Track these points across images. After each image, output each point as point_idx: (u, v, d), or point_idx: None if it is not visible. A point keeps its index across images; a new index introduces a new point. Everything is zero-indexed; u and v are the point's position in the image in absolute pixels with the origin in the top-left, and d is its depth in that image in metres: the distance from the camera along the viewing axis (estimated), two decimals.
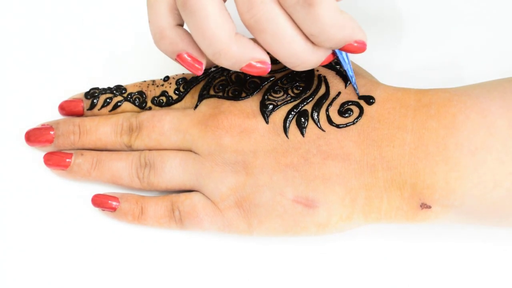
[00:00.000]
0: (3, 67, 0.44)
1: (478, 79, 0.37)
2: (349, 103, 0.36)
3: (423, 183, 0.34)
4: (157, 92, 0.41)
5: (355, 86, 0.37)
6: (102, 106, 0.41)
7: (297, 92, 0.37)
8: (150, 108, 0.40)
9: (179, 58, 0.34)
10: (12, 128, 0.42)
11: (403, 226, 0.39)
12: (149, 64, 0.43)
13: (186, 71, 0.42)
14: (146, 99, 0.41)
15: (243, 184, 0.36)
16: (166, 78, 0.41)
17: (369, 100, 0.36)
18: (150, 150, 0.39)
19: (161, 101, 0.40)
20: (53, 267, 0.39)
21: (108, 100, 0.41)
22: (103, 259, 0.39)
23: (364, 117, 0.36)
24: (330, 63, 0.38)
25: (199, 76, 0.40)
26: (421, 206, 0.35)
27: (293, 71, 0.38)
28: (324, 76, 0.38)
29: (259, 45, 0.33)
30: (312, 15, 0.31)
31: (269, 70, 0.33)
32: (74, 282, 0.39)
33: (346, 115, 0.36)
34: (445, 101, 0.35)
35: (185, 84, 0.40)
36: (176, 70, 0.42)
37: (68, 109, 0.41)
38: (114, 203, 0.39)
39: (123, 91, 0.41)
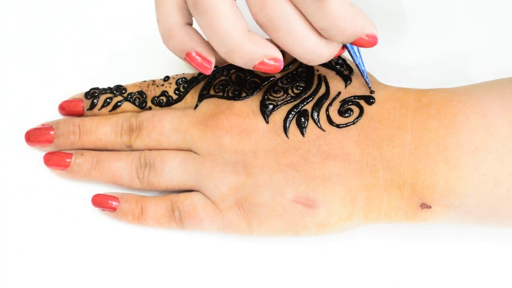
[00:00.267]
0: (3, 67, 0.44)
1: (478, 79, 0.37)
2: (349, 103, 0.36)
3: (423, 183, 0.34)
4: (157, 92, 0.41)
5: (367, 80, 0.37)
6: (102, 106, 0.41)
7: (297, 92, 0.37)
8: (150, 108, 0.40)
9: (188, 57, 0.34)
10: (12, 128, 0.42)
11: (403, 226, 0.39)
12: (149, 64, 0.43)
13: (186, 71, 0.42)
14: (146, 99, 0.41)
15: (243, 184, 0.36)
16: (166, 78, 0.41)
17: (369, 100, 0.36)
18: (150, 150, 0.39)
19: (161, 101, 0.40)
20: (53, 267, 0.39)
21: (108, 100, 0.41)
22: (103, 259, 0.39)
23: (364, 117, 0.36)
24: (330, 63, 0.38)
25: (199, 76, 0.40)
26: (421, 206, 0.35)
27: (293, 71, 0.38)
28: (324, 76, 0.38)
29: (271, 42, 0.33)
30: (322, 9, 0.31)
31: (282, 67, 0.33)
32: (74, 282, 0.39)
33: (346, 115, 0.36)
34: (445, 101, 0.35)
35: (185, 84, 0.40)
36: (176, 70, 0.42)
37: (68, 109, 0.41)
38: (114, 203, 0.39)
39: (123, 91, 0.41)
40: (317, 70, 0.38)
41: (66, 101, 0.42)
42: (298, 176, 0.36)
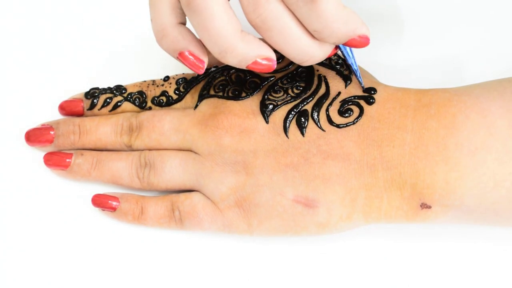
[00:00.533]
0: (3, 67, 0.44)
1: (478, 79, 0.37)
2: (349, 103, 0.36)
3: (423, 183, 0.34)
4: (157, 92, 0.41)
5: (360, 79, 0.37)
6: (102, 106, 0.41)
7: (297, 92, 0.37)
8: (150, 108, 0.40)
9: (180, 57, 0.34)
10: (12, 128, 0.42)
11: (403, 226, 0.39)
12: (149, 64, 0.43)
13: (186, 71, 0.42)
14: (146, 99, 0.41)
15: (243, 184, 0.36)
16: (166, 78, 0.41)
17: (369, 100, 0.36)
18: (150, 150, 0.39)
19: (161, 101, 0.40)
20: (53, 267, 0.39)
21: (108, 100, 0.41)
22: (103, 259, 0.39)
23: (364, 117, 0.36)
24: (331, 63, 0.38)
25: (199, 76, 0.40)
26: (421, 206, 0.35)
27: (293, 71, 0.38)
28: (324, 76, 0.38)
29: (264, 42, 0.33)
30: (315, 11, 0.31)
31: (275, 67, 0.33)
32: (74, 282, 0.39)
33: (346, 115, 0.36)
34: (445, 101, 0.35)
35: (185, 84, 0.40)
36: (176, 70, 0.42)
37: (68, 109, 0.41)
38: (114, 203, 0.39)
39: (123, 91, 0.41)
40: (317, 70, 0.38)
41: (66, 101, 0.42)
42: (298, 176, 0.36)
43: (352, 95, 0.37)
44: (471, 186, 0.34)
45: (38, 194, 0.41)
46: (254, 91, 0.38)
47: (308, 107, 0.37)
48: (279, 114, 0.37)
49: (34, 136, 0.40)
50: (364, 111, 0.36)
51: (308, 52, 0.33)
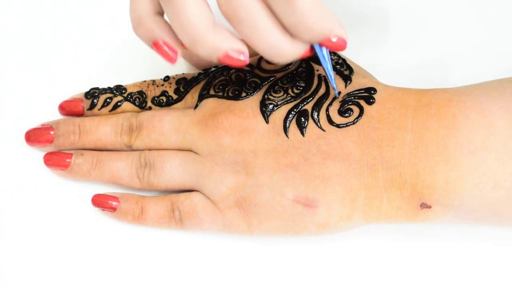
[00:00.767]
0: (3, 67, 0.44)
1: (478, 79, 0.37)
2: (349, 103, 0.36)
3: (423, 183, 0.34)
4: (157, 92, 0.41)
5: (334, 85, 0.36)
6: (102, 106, 0.41)
7: (297, 91, 0.37)
8: (150, 108, 0.40)
9: (154, 46, 0.34)
10: (12, 128, 0.42)
11: (403, 226, 0.39)
12: (149, 64, 0.43)
13: (186, 71, 0.42)
14: (146, 99, 0.41)
15: (243, 184, 0.36)
16: (166, 78, 0.41)
17: (369, 100, 0.36)
18: (150, 150, 0.39)
19: (161, 101, 0.40)
20: (53, 267, 0.39)
21: (108, 100, 0.41)
22: (103, 259, 0.39)
23: (364, 117, 0.36)
24: (332, 63, 0.38)
25: (199, 76, 0.40)
26: (421, 206, 0.35)
27: (293, 71, 0.38)
28: (324, 76, 0.38)
29: (238, 37, 0.33)
30: (291, 5, 0.31)
31: (248, 62, 0.33)
32: (74, 282, 0.39)
33: (346, 114, 0.36)
34: (445, 101, 0.35)
35: (185, 84, 0.40)
36: (176, 70, 0.42)
37: (68, 109, 0.41)
38: (114, 203, 0.39)
39: (123, 91, 0.41)
40: (317, 70, 0.38)
41: (66, 101, 0.42)
42: (298, 176, 0.36)
43: (352, 90, 0.37)
44: (471, 186, 0.34)
45: (38, 194, 0.41)
46: (254, 91, 0.38)
47: (308, 107, 0.37)
48: (279, 114, 0.37)
49: (34, 136, 0.40)
50: (364, 111, 0.36)
51: (279, 47, 0.32)
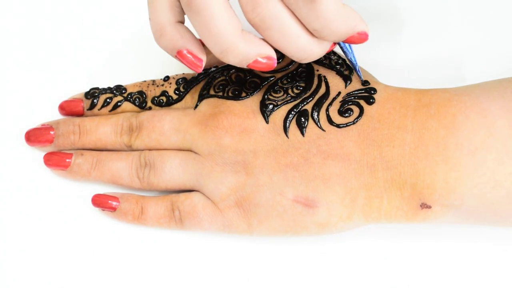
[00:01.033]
0: (3, 67, 0.44)
1: (477, 79, 0.37)
2: (349, 103, 0.36)
3: (423, 183, 0.34)
4: (157, 92, 0.41)
5: (359, 73, 0.37)
6: (102, 106, 0.41)
7: (297, 92, 0.37)
8: (150, 108, 0.40)
9: (179, 55, 0.34)
10: (12, 128, 0.42)
11: (403, 226, 0.39)
12: (149, 64, 0.43)
13: (186, 71, 0.42)
14: (146, 99, 0.41)
15: (243, 184, 0.36)
16: (166, 78, 0.41)
17: (369, 100, 0.36)
18: (150, 150, 0.39)
19: (161, 101, 0.40)
20: (53, 267, 0.39)
21: (108, 100, 0.41)
22: (103, 259, 0.39)
23: (364, 117, 0.36)
24: (331, 63, 0.38)
25: (199, 76, 0.40)
26: (421, 206, 0.35)
27: (293, 71, 0.38)
28: (324, 76, 0.38)
29: (264, 41, 0.33)
30: (314, 11, 0.31)
31: (276, 65, 0.34)
32: (74, 282, 0.39)
33: (346, 114, 0.36)
34: (445, 101, 0.35)
35: (185, 84, 0.40)
36: (176, 70, 0.42)
37: (68, 109, 0.42)
38: (114, 203, 0.39)
39: (123, 91, 0.41)
40: (317, 70, 0.38)
41: (66, 101, 0.42)
42: (298, 176, 0.36)
43: (352, 90, 0.37)
44: (471, 186, 0.34)
45: (38, 194, 0.41)
46: (254, 91, 0.38)
47: (308, 107, 0.37)
48: (279, 114, 0.37)
49: (34, 136, 0.40)
50: (364, 111, 0.36)
51: (307, 49, 0.33)
